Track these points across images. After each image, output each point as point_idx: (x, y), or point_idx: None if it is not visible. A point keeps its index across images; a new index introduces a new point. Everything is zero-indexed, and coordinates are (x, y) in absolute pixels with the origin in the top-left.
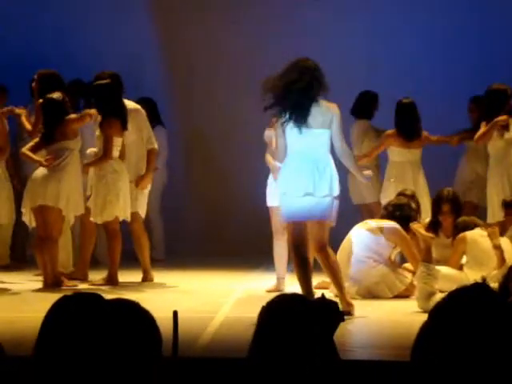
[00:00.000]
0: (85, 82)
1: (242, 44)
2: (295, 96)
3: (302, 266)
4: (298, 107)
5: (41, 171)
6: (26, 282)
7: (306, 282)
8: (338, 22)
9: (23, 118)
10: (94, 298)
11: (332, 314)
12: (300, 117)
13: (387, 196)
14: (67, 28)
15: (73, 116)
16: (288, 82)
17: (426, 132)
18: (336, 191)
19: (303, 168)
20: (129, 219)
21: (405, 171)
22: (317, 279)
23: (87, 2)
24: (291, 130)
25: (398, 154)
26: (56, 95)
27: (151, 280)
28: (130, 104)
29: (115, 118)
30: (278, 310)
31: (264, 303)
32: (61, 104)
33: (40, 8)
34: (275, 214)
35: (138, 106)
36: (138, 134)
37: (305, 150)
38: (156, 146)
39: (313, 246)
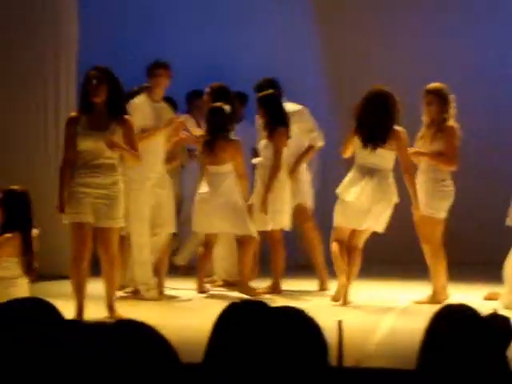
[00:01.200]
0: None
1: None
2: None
3: None
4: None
5: None
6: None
7: None
8: None
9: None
10: (260, 306)
11: (503, 330)
12: None
13: None
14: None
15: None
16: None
17: None
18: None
19: None
20: (288, 228)
21: None
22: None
23: (246, 19)
24: None
25: None
26: (226, 107)
27: (327, 289)
28: (291, 106)
29: (283, 127)
30: (447, 321)
31: (427, 314)
32: (229, 116)
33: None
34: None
35: (300, 107)
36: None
37: None
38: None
39: None
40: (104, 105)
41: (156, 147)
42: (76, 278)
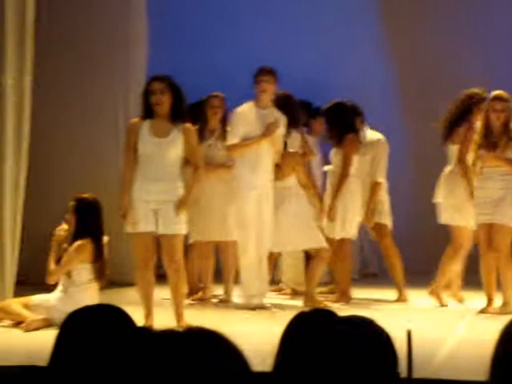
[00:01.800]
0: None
1: None
2: None
3: None
4: None
5: None
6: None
7: None
8: None
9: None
10: (327, 315)
11: None
12: None
13: None
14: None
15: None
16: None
17: None
18: None
19: None
20: (354, 238)
21: None
22: None
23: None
24: None
25: None
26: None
27: (404, 300)
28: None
29: (353, 133)
30: None
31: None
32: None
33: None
34: None
35: (380, 137)
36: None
37: None
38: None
39: None
40: (166, 112)
41: (265, 156)
42: (142, 287)
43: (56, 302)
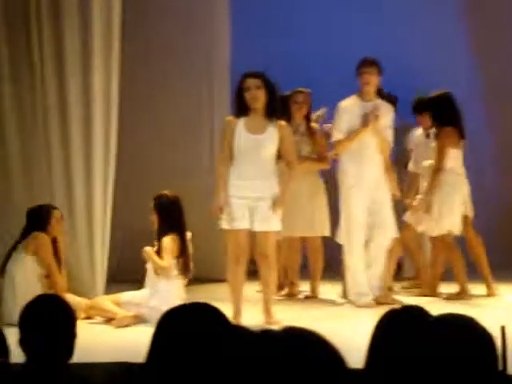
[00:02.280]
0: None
1: None
2: None
3: None
4: None
5: None
6: None
7: None
8: None
9: None
10: (418, 312)
11: None
12: None
13: None
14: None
15: None
16: None
17: None
18: None
19: None
20: (459, 233)
21: None
22: None
23: None
24: None
25: None
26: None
27: (493, 295)
28: None
29: (451, 127)
30: None
31: None
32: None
33: None
34: None
35: None
36: None
37: None
38: None
39: None
40: (262, 109)
41: (368, 149)
42: (233, 282)
43: (144, 298)
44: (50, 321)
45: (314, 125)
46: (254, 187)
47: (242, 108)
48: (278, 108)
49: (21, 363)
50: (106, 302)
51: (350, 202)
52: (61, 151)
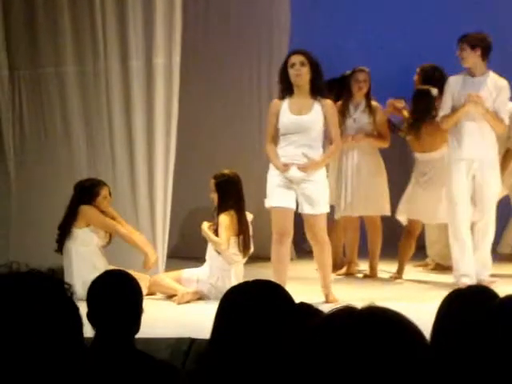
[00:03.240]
0: None
1: None
2: None
3: None
4: None
5: None
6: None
7: None
8: None
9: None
10: (484, 293)
11: None
12: None
13: None
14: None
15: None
16: None
17: None
18: None
19: None
20: None
21: None
22: None
23: None
24: None
25: None
26: (434, 90)
27: None
28: None
29: None
30: None
31: None
32: (431, 99)
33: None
34: None
35: None
36: None
37: None
38: None
39: None
40: (306, 87)
41: (471, 126)
42: (276, 262)
43: (205, 275)
44: (117, 296)
45: (374, 103)
46: (299, 168)
47: (287, 87)
48: (322, 86)
49: (89, 337)
50: (168, 279)
51: (452, 181)
52: (124, 130)
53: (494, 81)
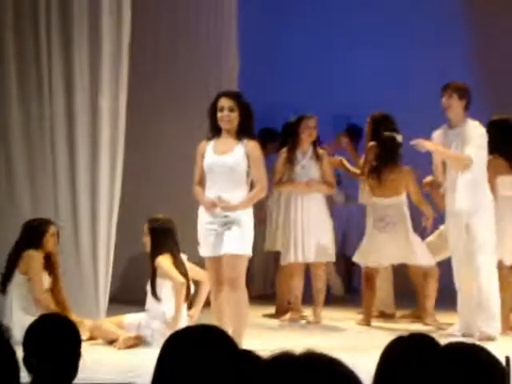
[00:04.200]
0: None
1: None
2: None
3: None
4: None
5: None
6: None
7: None
8: None
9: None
10: (426, 340)
11: None
12: None
13: None
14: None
15: None
16: None
17: None
18: None
19: None
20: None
21: None
22: None
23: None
24: None
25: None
26: (399, 137)
27: None
28: None
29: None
30: None
31: None
32: (397, 145)
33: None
34: None
35: None
36: None
37: None
38: None
39: None
40: (234, 130)
41: (454, 178)
42: (216, 310)
43: (146, 320)
44: (53, 340)
45: (320, 150)
46: (223, 210)
47: (214, 127)
48: (250, 128)
49: (25, 382)
50: (109, 323)
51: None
52: (67, 172)
53: (472, 129)
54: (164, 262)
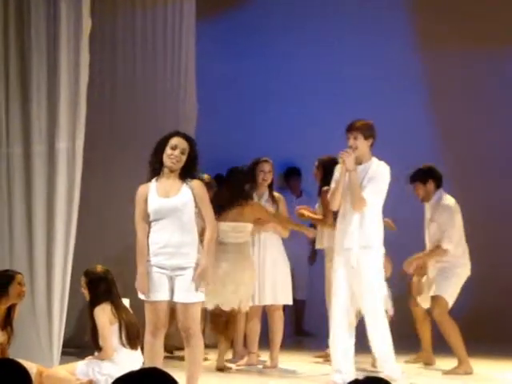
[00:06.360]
0: None
1: None
2: None
3: None
4: None
5: None
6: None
7: None
8: None
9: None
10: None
11: None
12: None
13: None
14: None
15: None
16: None
17: None
18: None
19: None
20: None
21: None
22: None
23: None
24: None
25: None
26: None
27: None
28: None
29: None
30: None
31: None
32: None
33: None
34: None
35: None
36: None
37: None
38: None
39: None
40: (178, 171)
41: (348, 220)
42: (150, 353)
43: (98, 366)
44: None
45: (276, 194)
46: (172, 255)
47: (157, 167)
48: (195, 170)
49: None
50: (62, 371)
51: (334, 273)
52: (23, 215)
53: (375, 167)
54: (100, 315)
